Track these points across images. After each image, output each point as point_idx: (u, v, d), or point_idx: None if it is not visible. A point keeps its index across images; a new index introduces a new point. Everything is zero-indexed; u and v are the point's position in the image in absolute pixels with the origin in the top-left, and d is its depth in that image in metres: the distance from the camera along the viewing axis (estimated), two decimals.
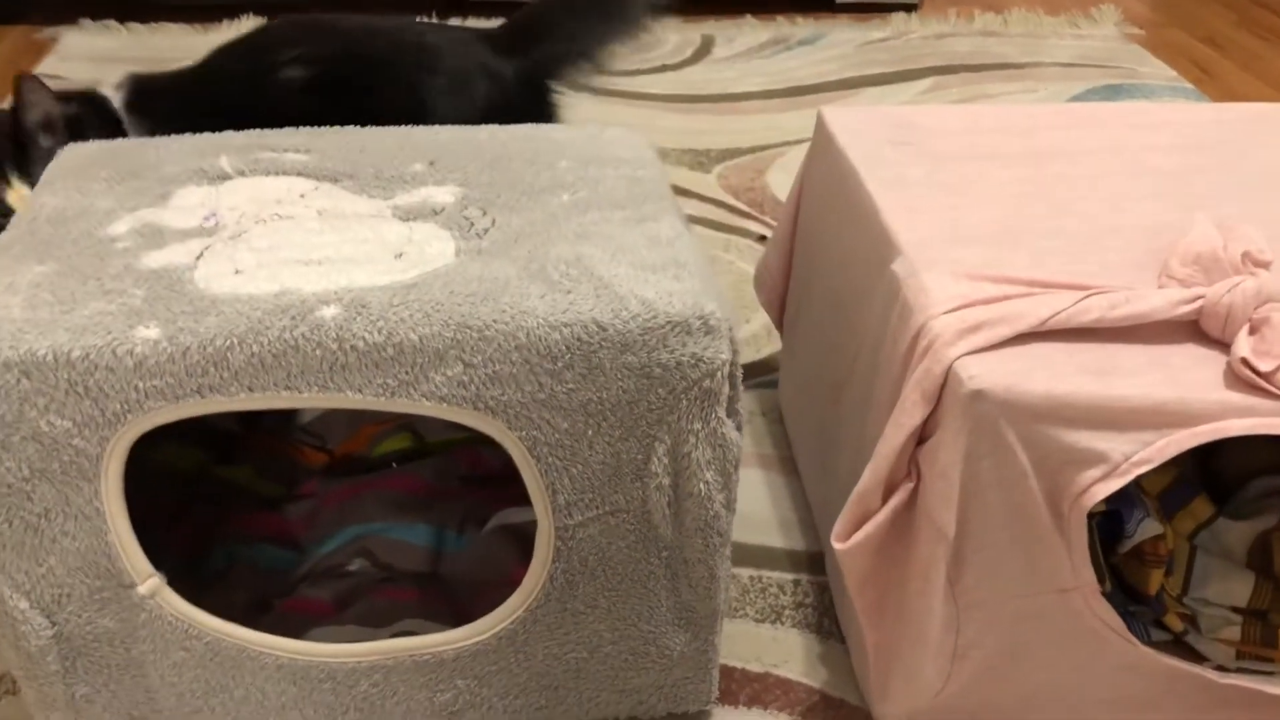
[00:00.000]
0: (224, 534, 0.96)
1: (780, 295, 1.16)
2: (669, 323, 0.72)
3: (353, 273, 0.74)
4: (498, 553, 0.93)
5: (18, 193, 1.13)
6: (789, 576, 1.03)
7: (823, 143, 1.04)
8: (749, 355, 1.32)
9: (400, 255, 0.77)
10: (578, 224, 0.83)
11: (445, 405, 0.72)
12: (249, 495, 1.00)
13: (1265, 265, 0.80)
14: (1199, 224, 0.83)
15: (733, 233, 1.57)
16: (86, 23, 2.16)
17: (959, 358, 0.74)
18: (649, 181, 0.91)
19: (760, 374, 1.29)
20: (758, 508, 1.11)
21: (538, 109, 1.26)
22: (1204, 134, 1.04)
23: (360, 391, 0.71)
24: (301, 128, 0.96)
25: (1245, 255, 0.80)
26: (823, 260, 1.04)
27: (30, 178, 1.13)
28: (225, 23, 2.17)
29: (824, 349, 1.02)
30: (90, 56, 2.04)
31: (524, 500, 0.94)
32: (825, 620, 0.99)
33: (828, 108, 1.05)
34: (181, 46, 2.09)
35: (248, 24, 2.17)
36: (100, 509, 0.72)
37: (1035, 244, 0.86)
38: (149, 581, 0.75)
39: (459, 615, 0.88)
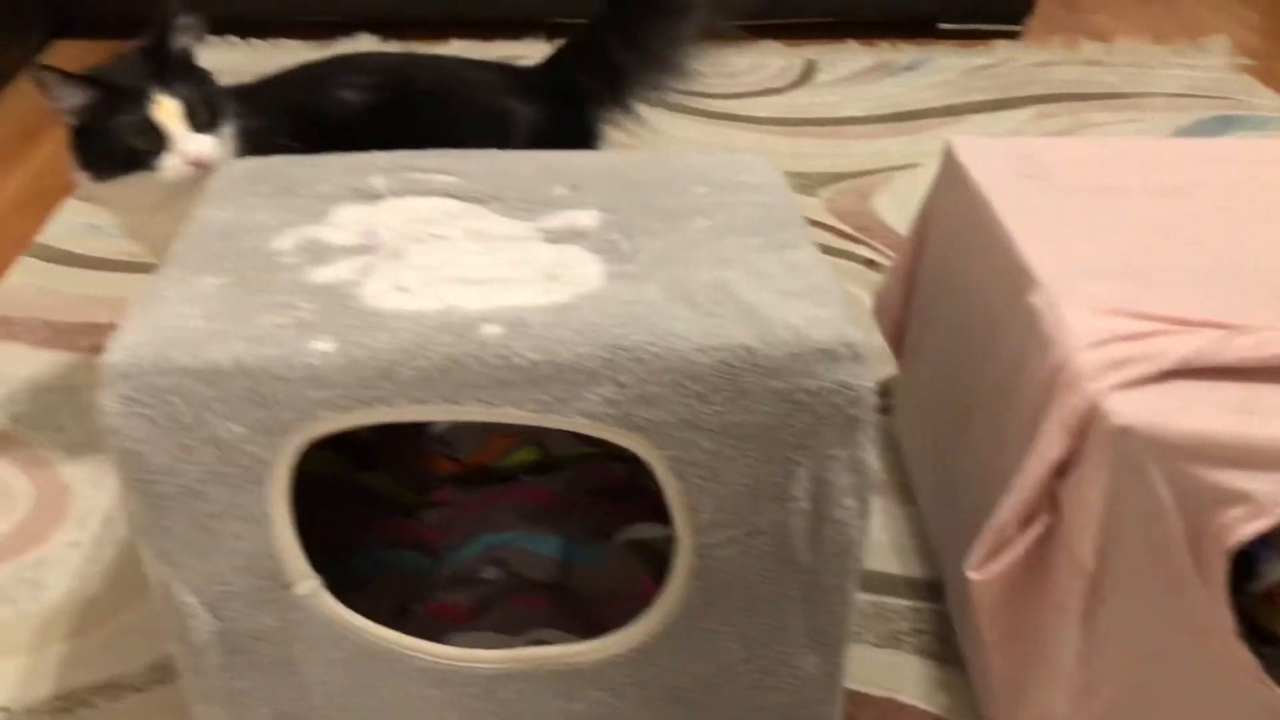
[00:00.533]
0: (364, 538, 0.99)
1: (899, 322, 1.17)
2: (816, 349, 0.74)
3: (511, 293, 0.77)
4: (627, 567, 0.95)
5: (166, 107, 1.08)
6: (906, 603, 1.04)
7: (951, 173, 1.05)
8: None
9: (553, 277, 0.80)
10: (717, 249, 0.85)
11: (596, 423, 0.74)
12: (386, 501, 1.03)
13: None
14: None
15: (840, 256, 1.58)
16: (210, 38, 2.24)
17: (1104, 393, 0.75)
18: (782, 208, 0.93)
19: None
20: (873, 534, 1.11)
21: (579, 145, 1.28)
22: None
23: (519, 407, 0.73)
24: (441, 150, 0.99)
25: None
26: (950, 289, 1.05)
27: (175, 95, 1.10)
28: (340, 39, 2.23)
29: (949, 377, 1.03)
30: (217, 71, 2.11)
31: (651, 515, 0.96)
32: (945, 648, 0.99)
33: (957, 138, 1.06)
34: (300, 61, 2.16)
35: (362, 43, 2.24)
36: (267, 512, 0.75)
37: (1171, 280, 0.86)
38: (308, 583, 0.78)
39: (589, 626, 0.91)
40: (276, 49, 2.21)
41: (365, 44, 2.24)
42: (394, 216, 0.88)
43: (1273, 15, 2.58)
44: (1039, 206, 0.96)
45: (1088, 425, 0.76)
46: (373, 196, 0.91)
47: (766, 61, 2.22)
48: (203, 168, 1.07)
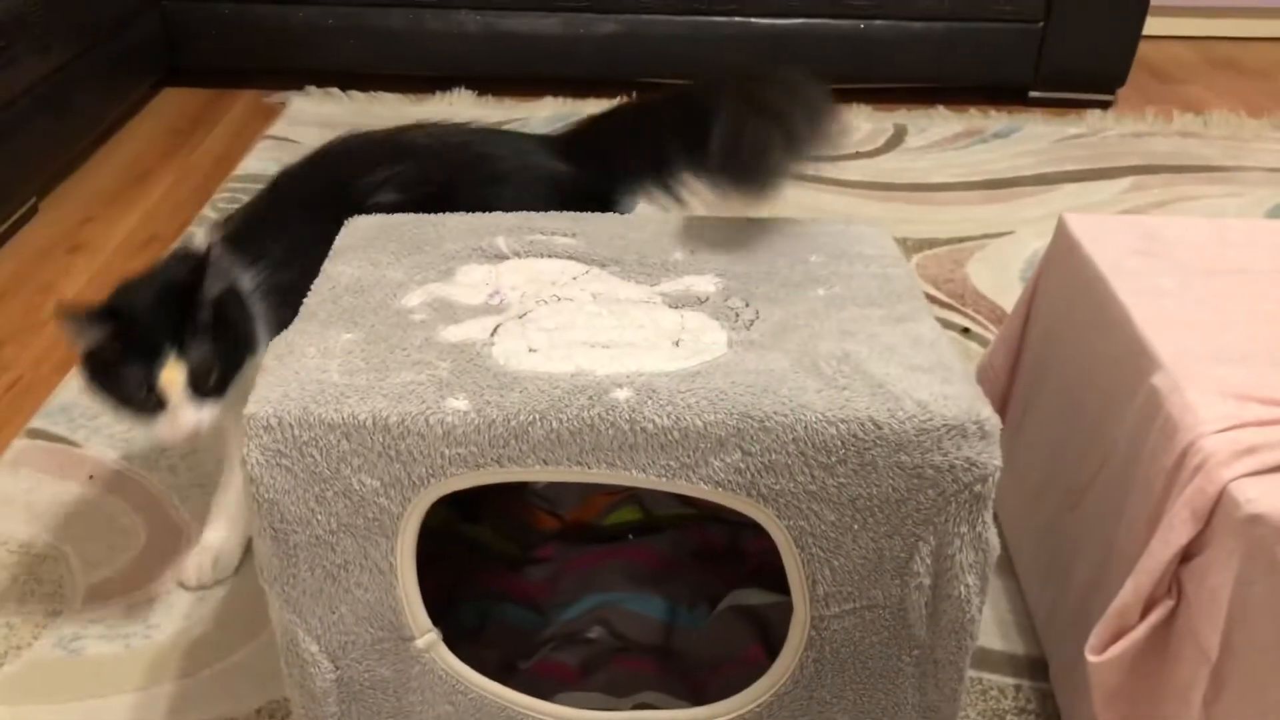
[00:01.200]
0: (470, 591, 1.00)
1: (1004, 394, 1.17)
2: (944, 425, 0.74)
3: (641, 357, 0.78)
4: (733, 632, 0.95)
5: (171, 374, 0.96)
6: (1010, 680, 1.02)
7: (1064, 248, 1.05)
8: None
9: (678, 343, 0.81)
10: (838, 320, 0.86)
11: (721, 490, 0.75)
12: (489, 554, 1.05)
13: None
14: None
15: None
16: (312, 89, 2.31)
17: (1235, 479, 0.74)
18: (899, 279, 0.93)
19: None
20: None
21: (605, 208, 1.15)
22: None
23: (645, 471, 0.74)
24: (565, 212, 1.01)
25: None
26: (1060, 364, 1.04)
27: (187, 359, 0.97)
28: (438, 94, 2.29)
29: (1058, 453, 1.02)
30: (318, 121, 2.18)
31: (754, 580, 0.96)
32: None
33: (1069, 214, 1.06)
34: (397, 114, 2.22)
35: (459, 98, 2.29)
36: (394, 564, 0.77)
37: None
38: (427, 636, 0.80)
39: (694, 692, 0.91)
40: (374, 102, 2.27)
41: (463, 99, 2.29)
42: (517, 277, 0.90)
43: None
44: (1158, 286, 0.96)
45: (1216, 511, 0.75)
46: (497, 257, 0.94)
47: (856, 125, 2.24)
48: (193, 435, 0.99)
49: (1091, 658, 0.80)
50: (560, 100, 2.29)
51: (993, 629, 1.08)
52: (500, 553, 1.06)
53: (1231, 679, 0.77)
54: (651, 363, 0.78)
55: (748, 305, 0.88)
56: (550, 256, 0.94)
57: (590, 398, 0.74)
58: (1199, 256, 1.00)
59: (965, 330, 1.56)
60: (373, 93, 2.30)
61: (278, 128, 2.15)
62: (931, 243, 1.79)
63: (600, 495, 1.10)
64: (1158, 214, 1.89)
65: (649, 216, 1.02)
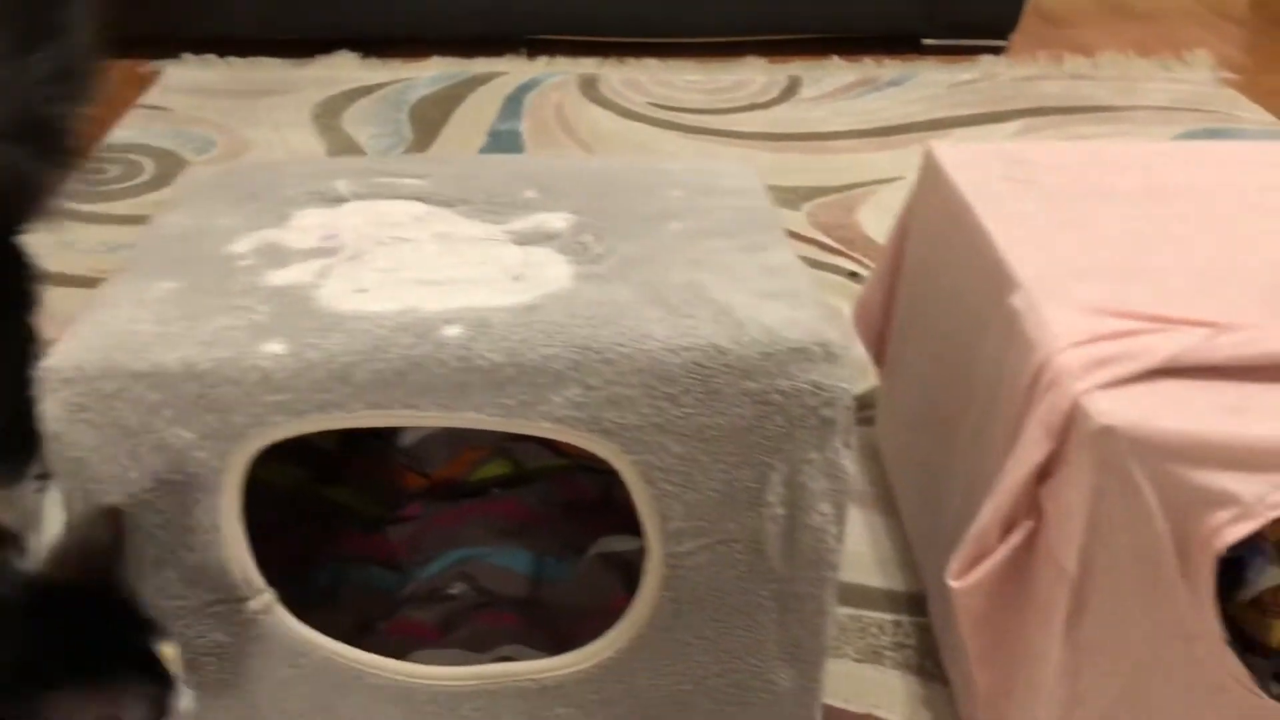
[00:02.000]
0: (327, 553, 0.96)
1: (880, 331, 1.15)
2: (790, 349, 0.71)
3: (473, 293, 0.74)
4: (599, 580, 0.92)
5: None
6: (888, 617, 1.01)
7: (932, 178, 1.03)
8: None
9: (518, 278, 0.77)
10: (691, 251, 0.83)
11: (563, 427, 0.72)
12: (350, 515, 1.01)
13: None
14: None
15: (824, 269, 1.56)
16: (188, 56, 2.22)
17: (1086, 393, 0.72)
18: (759, 211, 0.91)
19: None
20: (854, 546, 1.09)
21: None
22: None
23: (480, 411, 0.71)
24: (418, 155, 0.97)
25: None
26: (931, 296, 1.02)
27: None
28: (319, 58, 2.22)
29: (932, 385, 1.01)
30: (193, 89, 2.10)
31: (624, 528, 0.93)
32: (927, 662, 0.96)
33: (937, 143, 1.05)
34: (278, 79, 2.14)
35: (342, 61, 2.22)
36: (218, 523, 0.73)
37: (1157, 280, 0.84)
38: (261, 597, 0.75)
39: (559, 642, 0.88)
40: (254, 67, 2.19)
41: (346, 61, 2.22)
42: (357, 219, 0.86)
43: (1255, 30, 2.58)
44: (1022, 209, 0.94)
45: (1070, 426, 0.73)
46: (336, 200, 0.89)
47: (751, 78, 2.21)
48: None
49: (953, 583, 0.79)
50: (448, 60, 2.23)
51: (872, 566, 1.06)
52: (362, 514, 1.02)
53: (1092, 597, 0.75)
54: (486, 298, 0.74)
55: (599, 239, 0.84)
56: (395, 198, 0.90)
57: (418, 335, 0.70)
58: (1065, 180, 0.99)
59: (853, 274, 1.54)
60: (252, 58, 2.22)
61: (150, 96, 2.07)
62: (823, 190, 1.77)
63: (469, 450, 1.06)
64: None
65: (505, 158, 0.98)
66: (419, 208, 0.88)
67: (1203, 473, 0.71)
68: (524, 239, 0.84)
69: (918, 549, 1.05)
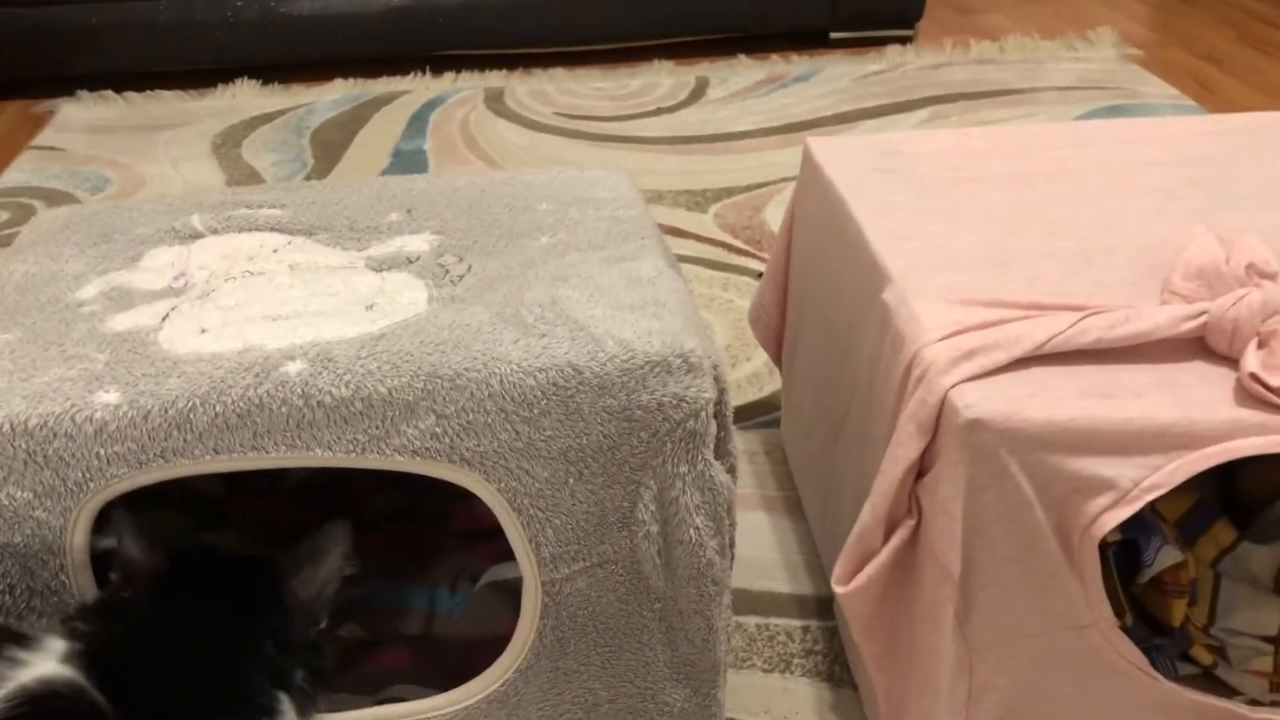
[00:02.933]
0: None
1: (777, 331, 1.13)
2: (648, 363, 0.69)
3: (320, 326, 0.72)
4: (489, 610, 0.89)
5: None
6: (797, 623, 0.99)
7: (810, 174, 1.02)
8: (750, 394, 1.29)
9: (371, 306, 0.75)
10: (555, 266, 0.80)
11: (419, 459, 0.69)
12: (236, 557, 0.97)
13: (1271, 277, 0.76)
14: (1199, 237, 0.80)
15: (731, 271, 1.54)
16: (83, 94, 2.17)
17: (953, 386, 0.71)
18: (630, 221, 0.89)
19: (763, 413, 1.26)
20: (762, 552, 1.07)
21: None
22: (1199, 147, 1.01)
23: (329, 449, 0.68)
24: (279, 184, 0.94)
25: (1249, 267, 0.76)
26: (816, 294, 1.01)
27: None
28: (219, 87, 2.17)
29: (821, 384, 0.99)
30: (89, 127, 2.05)
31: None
32: (836, 667, 0.95)
33: (813, 138, 1.03)
34: (177, 112, 2.10)
35: (242, 89, 2.17)
36: (66, 582, 0.69)
37: (1028, 266, 0.83)
38: None
39: (453, 678, 0.85)
40: (152, 101, 2.15)
41: (246, 90, 2.18)
42: (209, 255, 0.83)
43: (1158, 6, 2.61)
44: (896, 201, 0.93)
45: (939, 421, 0.72)
46: (190, 236, 0.86)
47: (658, 81, 2.20)
48: None
49: (838, 589, 0.77)
50: (350, 82, 2.20)
51: (781, 572, 1.05)
52: (248, 559, 0.98)
53: (979, 593, 0.74)
54: (333, 330, 0.72)
55: (460, 260, 0.82)
56: (251, 230, 0.87)
57: (257, 375, 0.67)
58: (937, 168, 0.98)
59: (760, 275, 1.52)
60: (150, 92, 2.17)
61: (44, 136, 2.02)
62: (730, 191, 1.76)
63: (361, 484, 1.03)
64: None
65: (368, 181, 0.95)
66: (276, 238, 0.85)
67: (1076, 460, 0.70)
68: (382, 264, 0.81)
69: (822, 552, 1.04)
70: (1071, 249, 0.85)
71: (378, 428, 0.68)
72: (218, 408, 0.66)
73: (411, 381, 0.68)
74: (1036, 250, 0.85)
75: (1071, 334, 0.73)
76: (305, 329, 0.71)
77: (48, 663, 0.59)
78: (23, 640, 0.60)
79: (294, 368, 0.68)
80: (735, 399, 1.28)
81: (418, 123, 2.02)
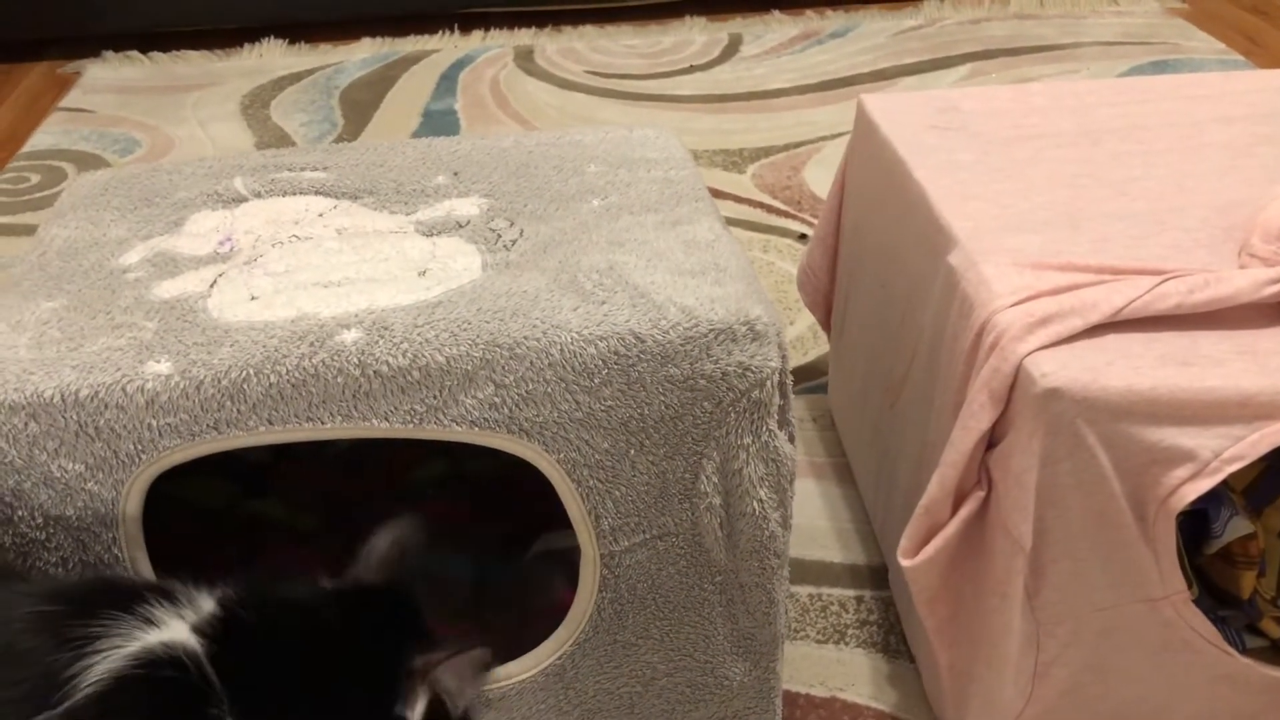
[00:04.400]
0: (256, 571, 0.91)
1: (826, 295, 1.11)
2: (712, 330, 0.67)
3: (374, 293, 0.70)
4: (543, 580, 0.88)
5: None
6: (850, 593, 0.98)
7: (864, 132, 0.99)
8: (795, 359, 1.27)
9: (424, 272, 0.73)
10: (610, 230, 0.78)
11: (477, 430, 0.67)
12: (280, 529, 0.96)
13: None
14: (1278, 198, 0.77)
15: (771, 233, 1.51)
16: (109, 54, 2.14)
17: (1029, 354, 0.69)
18: (683, 182, 0.86)
19: (808, 378, 1.24)
20: (813, 520, 1.05)
21: None
22: (1266, 102, 0.98)
23: (386, 419, 0.66)
24: (321, 145, 0.92)
25: None
26: (871, 255, 0.98)
27: None
28: (246, 47, 2.15)
29: (877, 349, 0.97)
30: (115, 88, 2.02)
31: (568, 523, 0.89)
32: (892, 638, 0.93)
33: (867, 95, 1.00)
34: (204, 73, 2.07)
35: (269, 48, 2.14)
36: (119, 555, 0.68)
37: (1098, 228, 0.80)
38: None
39: (505, 650, 0.84)
40: (178, 61, 2.12)
41: (273, 49, 2.15)
42: (255, 220, 0.81)
43: None
44: (957, 160, 0.90)
45: (1014, 390, 0.69)
46: (234, 200, 0.84)
47: (690, 38, 2.15)
48: None
49: (904, 561, 0.75)
50: (379, 40, 2.16)
51: (832, 540, 1.03)
52: (293, 527, 0.97)
53: (1050, 566, 0.72)
54: (387, 297, 0.69)
55: (512, 225, 0.80)
56: (295, 194, 0.85)
57: (312, 344, 0.65)
58: (999, 125, 0.95)
59: (802, 236, 1.50)
60: (175, 52, 2.14)
61: (71, 98, 1.99)
62: (768, 151, 1.73)
63: (406, 451, 1.02)
64: None
65: (412, 142, 0.93)
66: (322, 202, 0.83)
67: (1155, 430, 0.68)
68: (432, 229, 0.79)
69: (875, 520, 1.02)
70: (1143, 210, 0.82)
71: (435, 397, 0.66)
72: (272, 378, 0.64)
73: (470, 350, 0.66)
74: (1107, 211, 0.82)
75: (1150, 299, 0.71)
76: (359, 296, 0.69)
77: (179, 627, 0.56)
78: (169, 596, 0.58)
79: (350, 336, 0.66)
80: None
81: (447, 82, 1.99)
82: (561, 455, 0.68)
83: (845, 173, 1.04)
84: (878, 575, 0.99)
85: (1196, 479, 0.68)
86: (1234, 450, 0.68)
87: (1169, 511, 0.69)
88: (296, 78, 2.03)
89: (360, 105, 1.89)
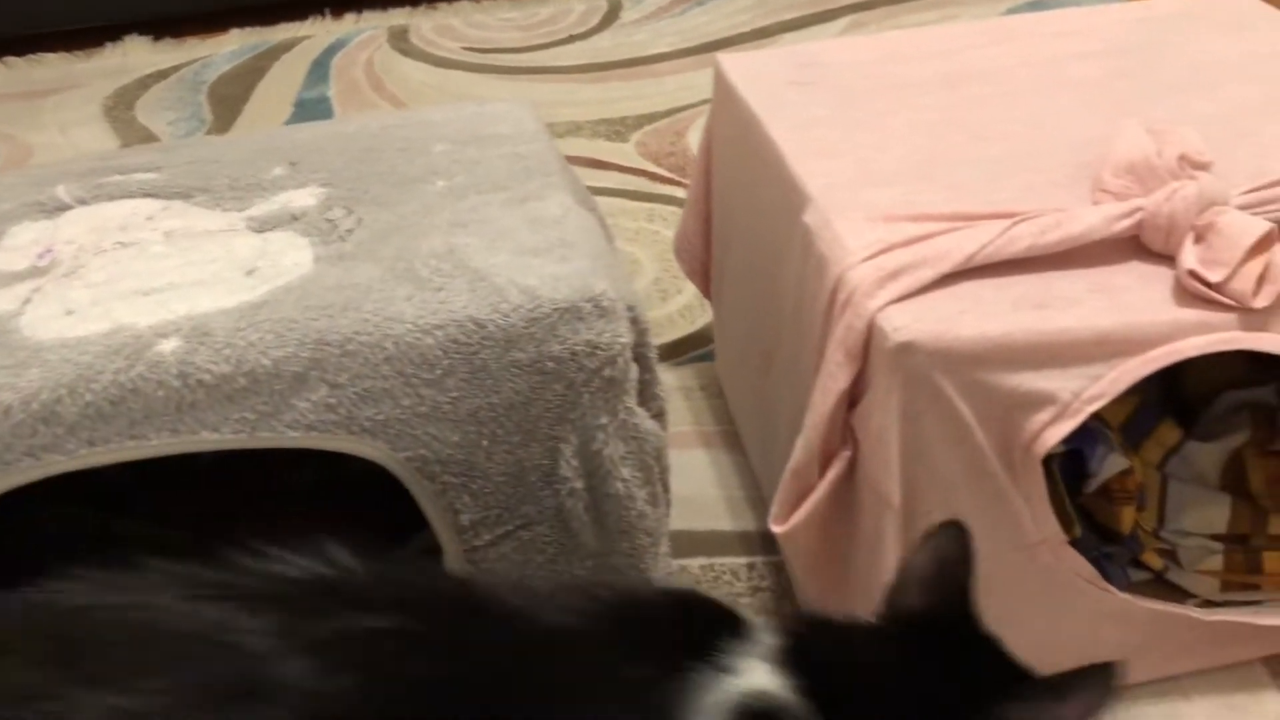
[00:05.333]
0: None
1: (703, 262, 1.09)
2: (555, 310, 0.64)
3: (197, 298, 0.66)
4: None
5: None
6: (742, 560, 0.96)
7: (723, 94, 0.97)
8: (683, 328, 1.25)
9: (252, 271, 0.69)
10: (452, 212, 0.75)
11: (315, 434, 0.64)
12: (152, 546, 0.92)
13: (1204, 167, 0.73)
14: (1128, 130, 0.77)
15: (657, 201, 1.49)
16: None
17: (881, 308, 0.67)
18: (533, 156, 0.83)
19: (696, 346, 1.22)
20: (703, 489, 1.03)
21: None
22: (1126, 36, 0.98)
23: (216, 430, 0.63)
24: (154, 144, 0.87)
25: (1182, 159, 0.73)
26: (738, 220, 0.96)
27: None
28: (109, 46, 2.06)
29: (750, 315, 0.95)
30: None
31: None
32: (784, 603, 0.92)
33: (724, 55, 0.98)
34: (62, 75, 1.99)
35: (133, 46, 2.06)
36: None
37: (954, 175, 0.79)
38: None
39: None
40: (36, 65, 2.02)
41: (137, 46, 2.06)
42: (77, 228, 0.76)
43: None
44: (813, 116, 0.88)
45: (869, 346, 0.68)
46: (57, 209, 0.79)
47: (569, 7, 2.11)
48: None
49: (776, 528, 0.74)
50: (247, 31, 2.08)
51: (723, 509, 1.01)
52: (165, 545, 0.93)
53: (924, 519, 0.71)
54: (210, 301, 0.66)
55: (350, 213, 0.76)
56: (123, 198, 0.80)
57: (128, 358, 0.62)
58: (858, 77, 0.93)
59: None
60: (32, 55, 2.05)
61: None
62: (651, 117, 1.70)
63: (279, 456, 0.98)
64: None
65: (252, 135, 0.88)
66: (151, 205, 0.79)
67: (1013, 376, 0.67)
68: (265, 224, 0.75)
69: (764, 486, 1.01)
70: (999, 153, 0.81)
71: (266, 404, 0.63)
72: (87, 396, 0.60)
73: (298, 351, 0.62)
74: (963, 158, 0.81)
75: (1001, 243, 0.70)
76: (179, 302, 0.66)
77: (759, 670, 0.50)
78: (735, 626, 0.52)
79: (168, 346, 0.62)
80: (667, 334, 1.24)
81: (319, 69, 1.92)
82: (410, 453, 0.65)
83: (710, 137, 1.02)
84: (769, 540, 0.97)
85: (1059, 421, 0.68)
86: (1094, 390, 0.67)
87: (1034, 456, 0.69)
88: (163, 75, 1.95)
89: (229, 100, 1.83)
